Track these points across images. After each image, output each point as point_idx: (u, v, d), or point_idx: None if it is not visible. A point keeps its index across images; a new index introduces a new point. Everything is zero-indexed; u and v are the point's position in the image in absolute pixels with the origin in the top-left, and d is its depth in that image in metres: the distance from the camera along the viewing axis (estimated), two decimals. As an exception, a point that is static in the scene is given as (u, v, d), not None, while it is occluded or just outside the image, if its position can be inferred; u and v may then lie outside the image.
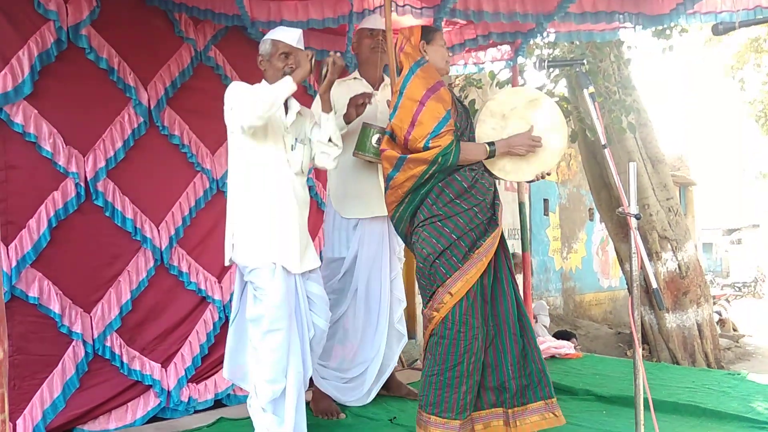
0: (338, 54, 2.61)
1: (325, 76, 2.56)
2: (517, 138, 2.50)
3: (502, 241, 2.55)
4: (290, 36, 2.55)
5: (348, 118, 2.93)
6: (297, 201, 2.59)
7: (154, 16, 3.40)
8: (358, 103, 2.92)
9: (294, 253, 2.54)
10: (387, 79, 3.26)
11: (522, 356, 2.52)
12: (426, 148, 2.41)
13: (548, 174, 2.63)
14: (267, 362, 2.46)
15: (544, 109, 2.57)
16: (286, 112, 2.58)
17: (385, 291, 3.16)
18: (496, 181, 2.62)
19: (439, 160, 2.40)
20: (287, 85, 2.41)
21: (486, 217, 2.50)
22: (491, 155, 2.48)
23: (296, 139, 2.64)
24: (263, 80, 2.60)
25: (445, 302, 2.39)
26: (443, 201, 2.45)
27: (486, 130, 2.55)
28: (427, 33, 2.60)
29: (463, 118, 2.55)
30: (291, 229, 2.55)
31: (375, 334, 3.17)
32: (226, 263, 2.61)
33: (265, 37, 2.61)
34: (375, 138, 2.93)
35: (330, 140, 2.66)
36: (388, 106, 3.03)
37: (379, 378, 3.23)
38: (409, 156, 2.46)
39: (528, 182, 2.72)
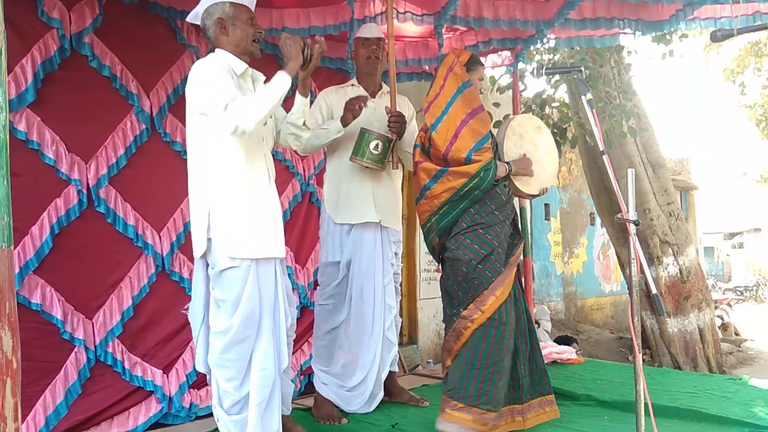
0: (321, 37, 2.51)
1: (309, 60, 2.42)
2: (523, 161, 2.83)
3: None
4: (250, 1, 2.43)
5: (345, 122, 2.94)
6: (271, 180, 2.49)
7: (157, 24, 3.43)
8: (354, 107, 2.91)
9: (278, 235, 2.45)
10: (385, 87, 3.27)
11: (530, 356, 2.83)
12: (468, 160, 2.64)
13: (546, 190, 2.98)
14: (233, 369, 2.36)
15: (545, 135, 2.99)
16: (254, 85, 2.48)
17: (378, 296, 3.16)
18: None
19: (481, 174, 2.63)
20: (285, 83, 2.30)
21: (511, 230, 2.81)
22: (509, 173, 2.79)
23: None
24: (218, 49, 2.42)
25: (490, 304, 2.62)
26: (486, 211, 2.70)
27: (509, 145, 2.84)
28: (472, 63, 2.85)
29: (493, 139, 2.83)
30: (272, 209, 2.44)
31: (371, 340, 3.17)
32: (198, 255, 2.39)
33: (215, 0, 2.39)
34: (373, 144, 2.94)
35: (304, 124, 2.58)
36: (386, 113, 3.06)
37: (378, 389, 3.22)
38: (450, 169, 2.68)
39: (533, 196, 2.99)
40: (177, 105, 3.45)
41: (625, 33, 4.00)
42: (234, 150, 2.33)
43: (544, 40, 4.15)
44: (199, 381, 3.43)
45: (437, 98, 2.75)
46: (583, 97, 2.35)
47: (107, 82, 3.18)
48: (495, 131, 2.98)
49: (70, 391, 2.93)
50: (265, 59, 3.82)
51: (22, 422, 2.75)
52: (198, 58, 3.54)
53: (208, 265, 2.42)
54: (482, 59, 4.50)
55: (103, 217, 3.12)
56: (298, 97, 2.54)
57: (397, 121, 3.05)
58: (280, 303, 2.47)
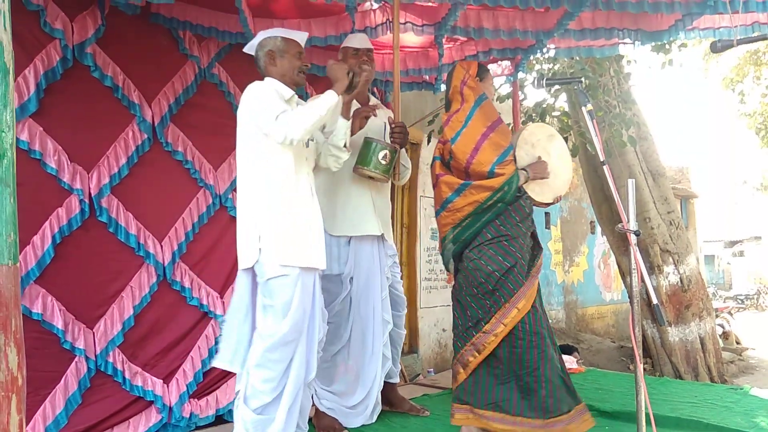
0: (368, 67, 2.81)
1: (355, 86, 2.65)
2: (538, 165, 2.84)
3: None
4: (300, 37, 2.69)
5: (352, 131, 2.92)
6: (313, 195, 2.64)
7: (159, 34, 3.45)
8: (363, 116, 2.94)
9: (321, 249, 2.60)
10: (373, 99, 3.29)
11: None
12: (491, 173, 2.69)
13: (560, 198, 2.99)
14: (274, 370, 2.44)
15: (558, 143, 2.99)
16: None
17: (377, 312, 3.12)
18: None
19: (505, 188, 2.68)
20: (332, 98, 2.50)
21: (531, 242, 2.82)
22: (526, 180, 2.79)
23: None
24: (267, 78, 2.64)
25: (512, 316, 2.62)
26: (511, 223, 2.72)
27: (521, 154, 2.84)
28: (482, 72, 2.94)
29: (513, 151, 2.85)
30: (316, 225, 2.60)
31: (372, 357, 3.14)
32: (247, 266, 2.51)
33: (270, 34, 2.65)
34: (381, 154, 2.90)
35: (345, 146, 2.76)
36: (389, 123, 3.07)
37: (379, 402, 3.20)
38: (473, 182, 2.72)
39: (547, 204, 2.97)
40: (179, 115, 3.47)
41: (624, 43, 4.01)
42: (283, 167, 2.51)
43: (544, 50, 4.17)
44: (200, 391, 3.42)
45: (457, 113, 2.84)
46: (583, 108, 2.36)
47: (109, 92, 3.19)
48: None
49: (70, 401, 2.92)
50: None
51: (22, 432, 2.76)
52: (199, 69, 3.60)
53: (254, 275, 2.54)
54: (483, 69, 4.56)
55: (105, 227, 3.13)
56: (340, 120, 2.71)
57: (401, 132, 3.05)
58: (316, 314, 2.59)
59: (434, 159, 2.93)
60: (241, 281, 2.60)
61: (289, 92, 2.62)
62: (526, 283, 2.68)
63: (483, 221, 2.71)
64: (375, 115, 3.00)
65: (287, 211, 2.49)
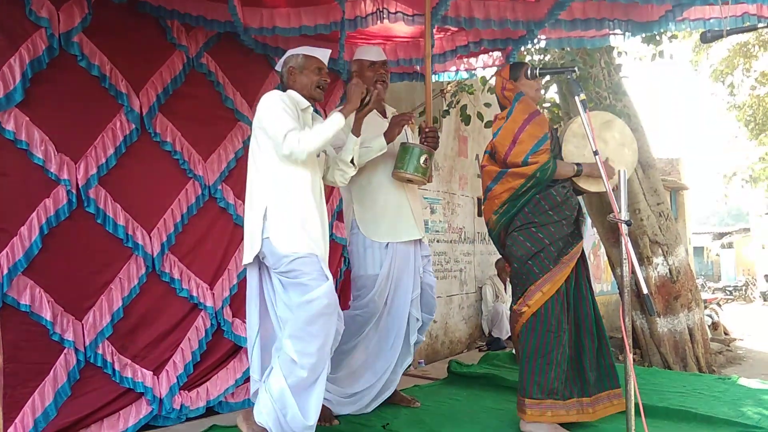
0: (381, 88, 2.99)
1: (367, 104, 2.73)
2: (595, 167, 2.70)
3: (582, 251, 2.94)
4: (322, 54, 2.79)
5: (390, 139, 3.01)
6: (322, 198, 2.73)
7: (146, 23, 3.40)
8: (402, 123, 3.04)
9: (325, 247, 2.66)
10: (390, 108, 3.32)
11: (597, 352, 2.91)
12: (525, 163, 2.82)
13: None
14: (313, 344, 2.44)
15: (617, 128, 2.98)
16: (312, 121, 2.76)
17: (405, 311, 3.18)
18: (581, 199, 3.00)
19: (537, 174, 2.79)
20: (339, 121, 2.58)
21: (571, 230, 2.90)
22: (578, 174, 2.87)
23: None
24: (288, 90, 2.72)
25: (536, 299, 2.76)
26: (539, 210, 2.85)
27: (570, 148, 2.91)
28: (513, 73, 3.02)
29: (555, 140, 2.96)
30: (322, 224, 2.65)
31: (389, 352, 3.19)
32: (250, 260, 2.57)
33: (294, 52, 2.77)
34: (423, 158, 3.00)
35: (352, 162, 2.83)
36: (414, 133, 3.14)
37: (381, 394, 3.23)
38: (509, 170, 2.87)
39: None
40: (167, 105, 3.44)
41: (615, 34, 4.01)
42: (292, 166, 2.58)
43: (535, 40, 4.16)
44: (190, 382, 3.41)
45: (503, 112, 2.99)
46: (576, 98, 2.36)
47: (96, 82, 3.15)
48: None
49: (60, 393, 2.90)
50: (257, 59, 3.82)
51: (10, 425, 2.74)
52: (188, 58, 3.57)
53: (259, 268, 2.63)
54: (473, 60, 4.54)
55: (93, 218, 3.10)
56: (350, 136, 2.80)
57: (434, 136, 3.12)
58: None
59: (484, 152, 3.09)
60: (251, 280, 2.69)
61: (305, 103, 2.72)
62: (553, 268, 2.79)
63: (517, 207, 2.86)
64: (412, 122, 3.09)
65: (295, 205, 2.57)
